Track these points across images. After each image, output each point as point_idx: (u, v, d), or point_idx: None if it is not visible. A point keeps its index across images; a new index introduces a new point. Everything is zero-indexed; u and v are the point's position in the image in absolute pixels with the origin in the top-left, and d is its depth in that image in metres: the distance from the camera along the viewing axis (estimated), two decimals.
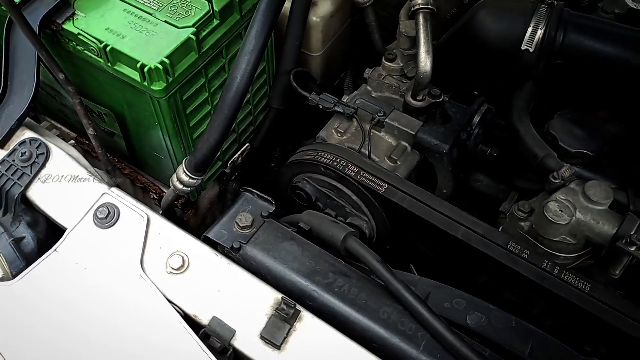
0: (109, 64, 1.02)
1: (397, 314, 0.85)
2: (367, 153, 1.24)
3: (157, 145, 1.19)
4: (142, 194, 1.44)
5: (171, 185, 1.10)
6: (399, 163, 1.24)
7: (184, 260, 0.87)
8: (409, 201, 1.12)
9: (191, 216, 1.38)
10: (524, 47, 1.18)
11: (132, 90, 1.06)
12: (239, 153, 1.37)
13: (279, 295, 0.84)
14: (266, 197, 0.98)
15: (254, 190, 0.99)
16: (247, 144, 1.39)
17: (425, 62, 1.19)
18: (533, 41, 1.17)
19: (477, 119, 1.18)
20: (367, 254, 0.89)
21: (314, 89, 1.54)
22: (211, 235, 0.93)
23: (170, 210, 1.16)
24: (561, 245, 1.07)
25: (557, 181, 1.06)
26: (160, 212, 1.21)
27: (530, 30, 1.17)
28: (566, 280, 1.01)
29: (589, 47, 1.15)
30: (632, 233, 0.97)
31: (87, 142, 1.40)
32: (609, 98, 1.21)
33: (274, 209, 0.97)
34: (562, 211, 1.03)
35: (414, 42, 1.33)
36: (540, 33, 1.16)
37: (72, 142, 1.03)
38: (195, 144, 1.21)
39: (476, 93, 1.49)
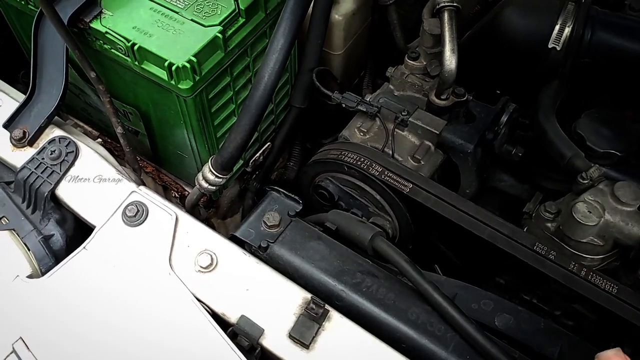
0: (136, 63, 1.02)
1: (425, 314, 0.85)
2: (391, 152, 1.23)
3: (181, 143, 1.19)
4: (164, 192, 1.45)
5: (196, 183, 1.10)
6: (423, 162, 1.23)
7: (212, 259, 0.87)
8: (434, 201, 1.11)
9: (212, 214, 1.39)
10: (550, 45, 1.17)
11: (158, 88, 1.06)
12: (260, 152, 1.37)
13: (307, 295, 0.84)
14: (293, 195, 0.98)
15: (280, 189, 0.99)
16: (268, 143, 1.39)
17: (450, 60, 1.18)
18: (560, 39, 1.15)
19: (504, 118, 1.17)
20: (395, 253, 0.89)
21: (335, 87, 1.54)
22: (239, 233, 0.93)
23: (194, 209, 1.16)
24: (588, 247, 1.05)
25: (585, 182, 1.05)
26: (184, 211, 1.21)
27: (557, 28, 1.15)
28: (593, 282, 1.00)
29: (617, 45, 1.13)
30: None
31: (109, 141, 1.41)
32: (636, 97, 1.19)
33: (301, 207, 0.96)
34: (590, 212, 1.02)
35: (438, 40, 1.33)
36: (567, 31, 1.15)
37: (99, 140, 1.03)
38: (218, 142, 1.21)
39: (498, 92, 1.48)
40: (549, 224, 1.10)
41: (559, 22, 1.15)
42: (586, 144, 1.12)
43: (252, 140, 1.33)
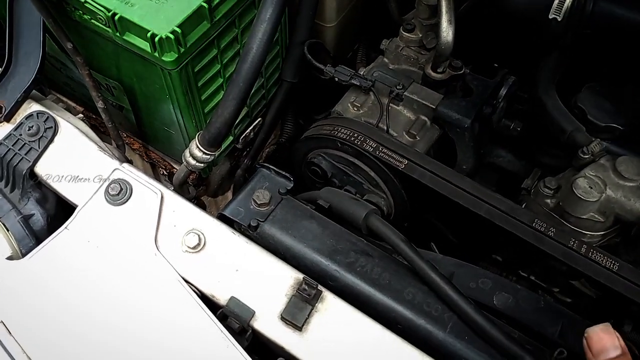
0: (117, 34, 0.97)
1: (422, 294, 0.82)
2: (385, 127, 1.19)
3: (168, 119, 1.14)
4: (151, 169, 1.41)
5: (183, 160, 1.06)
6: (418, 138, 1.19)
7: (199, 239, 0.84)
8: (430, 177, 1.08)
9: (202, 192, 1.35)
10: (551, 16, 1.12)
11: (141, 61, 1.01)
12: (250, 128, 1.33)
13: (299, 275, 0.81)
14: (283, 173, 0.94)
15: (270, 166, 0.95)
16: (259, 119, 1.35)
17: (447, 31, 1.13)
18: (561, 9, 1.11)
19: (503, 91, 1.13)
20: (390, 232, 0.85)
21: (327, 61, 1.49)
22: (227, 212, 0.90)
23: (182, 187, 1.12)
24: (589, 223, 1.03)
25: (586, 156, 1.01)
26: (172, 189, 1.17)
27: None
28: (593, 259, 0.97)
29: (619, 16, 1.09)
30: None
31: (94, 117, 1.36)
32: (638, 69, 1.16)
33: (292, 185, 0.93)
34: (591, 187, 0.99)
35: (434, 11, 1.28)
36: (568, 1, 1.10)
37: (80, 115, 0.98)
38: (206, 118, 1.16)
39: (496, 65, 1.43)
40: (548, 200, 1.07)
41: None
42: (587, 117, 1.08)
43: (241, 116, 1.29)
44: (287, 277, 0.81)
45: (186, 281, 0.82)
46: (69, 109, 1.36)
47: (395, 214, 1.20)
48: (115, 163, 0.90)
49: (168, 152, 1.33)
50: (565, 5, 1.10)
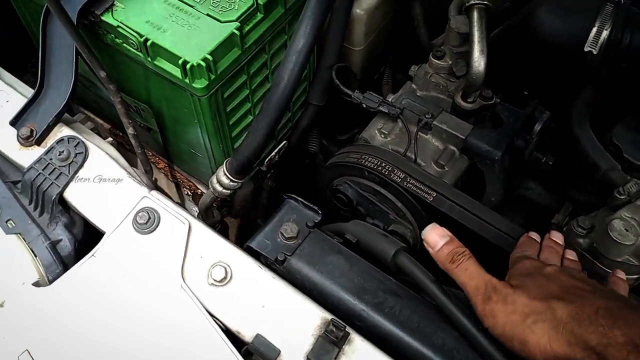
0: (149, 59, 0.97)
1: (452, 340, 0.80)
2: (413, 157, 1.18)
3: (195, 142, 1.14)
4: (176, 188, 1.41)
5: (210, 186, 1.05)
6: (447, 168, 1.17)
7: (226, 272, 0.83)
8: (458, 211, 1.06)
9: (225, 213, 1.34)
10: (587, 49, 1.09)
11: (171, 86, 1.00)
12: (275, 150, 1.32)
13: (327, 315, 0.79)
14: (311, 205, 0.93)
15: (298, 198, 0.93)
16: (284, 141, 1.34)
17: (479, 61, 1.11)
18: (597, 42, 1.08)
19: (537, 127, 1.11)
20: (420, 272, 0.84)
21: (354, 84, 1.48)
22: (254, 245, 0.88)
23: (208, 212, 1.12)
24: (623, 266, 1.00)
25: (622, 197, 0.99)
26: (197, 213, 1.17)
27: (594, 30, 1.08)
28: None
29: None
30: None
31: (121, 134, 1.36)
32: None
33: (320, 218, 0.91)
34: (627, 230, 0.96)
35: (465, 39, 1.26)
36: (605, 34, 1.07)
37: (110, 139, 0.98)
38: (233, 142, 1.16)
39: (526, 93, 1.41)
40: (581, 240, 1.04)
41: (597, 24, 1.07)
42: (623, 155, 1.05)
43: None
44: (314, 317, 0.80)
45: (211, 315, 0.81)
46: (97, 127, 1.37)
47: (421, 244, 1.17)
48: (144, 190, 0.90)
49: (193, 172, 1.32)
50: (602, 38, 1.08)
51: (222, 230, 1.30)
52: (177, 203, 0.89)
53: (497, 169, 1.15)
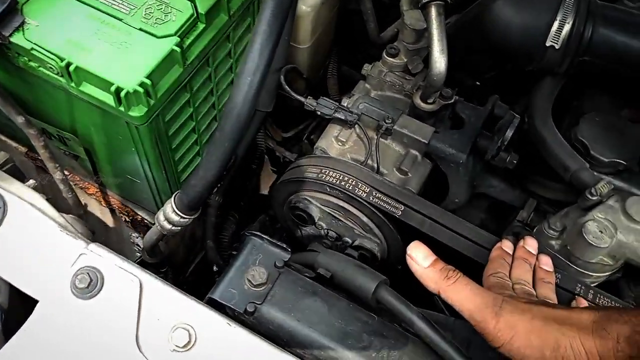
0: (73, 84, 0.82)
1: None
2: (375, 165, 1.10)
3: (133, 170, 1.00)
4: (111, 214, 1.26)
5: (156, 223, 0.93)
6: (410, 175, 1.11)
7: (189, 334, 0.72)
8: (430, 225, 1.00)
9: (172, 241, 1.21)
10: (548, 44, 1.05)
11: (102, 113, 0.86)
12: None
13: None
14: (278, 243, 0.83)
15: (263, 235, 0.83)
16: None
17: (439, 62, 1.04)
18: (559, 37, 1.04)
19: (509, 133, 1.05)
20: (405, 307, 0.77)
21: (299, 84, 1.38)
22: (217, 296, 0.78)
23: (155, 250, 0.99)
24: (597, 267, 0.98)
25: (594, 198, 0.96)
26: (144, 251, 1.04)
27: (556, 24, 1.04)
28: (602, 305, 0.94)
29: (620, 43, 1.03)
30: None
31: (40, 158, 1.19)
32: (636, 96, 1.11)
33: (289, 256, 0.82)
34: (602, 232, 0.94)
35: (421, 35, 1.19)
36: (567, 28, 1.03)
37: (31, 181, 0.82)
38: (176, 165, 1.03)
39: (478, 83, 1.37)
40: (553, 242, 1.02)
41: (558, 17, 1.03)
42: (590, 152, 1.02)
43: None
44: None
45: None
46: (11, 150, 1.19)
47: (389, 257, 1.11)
48: (81, 245, 0.76)
49: (130, 197, 1.18)
50: (564, 32, 1.04)
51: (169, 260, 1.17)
52: (122, 258, 0.76)
53: (461, 171, 1.10)
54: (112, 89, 0.78)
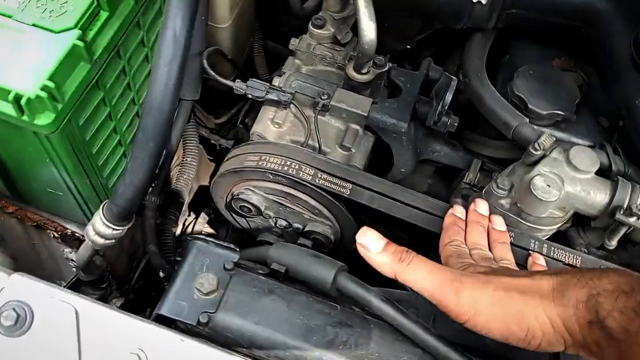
0: None
1: (417, 358, 0.71)
2: (316, 145, 1.05)
3: (51, 182, 0.91)
4: (37, 232, 1.15)
5: (86, 238, 0.84)
6: (353, 150, 1.06)
7: (139, 359, 0.65)
8: (379, 200, 0.97)
9: (110, 253, 1.12)
10: (475, 0, 1.02)
11: (3, 124, 0.76)
12: None
13: None
14: (224, 244, 0.76)
15: (207, 238, 0.77)
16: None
17: (369, 29, 0.99)
18: None
19: (448, 97, 1.03)
20: (367, 293, 0.73)
21: (225, 67, 1.30)
22: (165, 311, 0.71)
23: (90, 266, 0.91)
24: (548, 220, 0.98)
25: (538, 152, 0.95)
26: (78, 270, 0.95)
27: None
28: (557, 258, 0.94)
29: None
30: (630, 202, 0.90)
31: None
32: (565, 44, 1.11)
33: (238, 257, 0.76)
34: (549, 186, 0.93)
35: (346, 3, 1.13)
36: None
37: None
38: (101, 169, 0.94)
39: (408, 47, 1.34)
40: (502, 201, 1.01)
41: None
42: (528, 106, 1.02)
43: None
44: None
45: None
46: None
47: (342, 238, 1.07)
48: (3, 278, 0.67)
49: (55, 211, 1.08)
50: None
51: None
52: (51, 284, 0.67)
53: (404, 140, 1.07)
54: (11, 97, 0.68)
